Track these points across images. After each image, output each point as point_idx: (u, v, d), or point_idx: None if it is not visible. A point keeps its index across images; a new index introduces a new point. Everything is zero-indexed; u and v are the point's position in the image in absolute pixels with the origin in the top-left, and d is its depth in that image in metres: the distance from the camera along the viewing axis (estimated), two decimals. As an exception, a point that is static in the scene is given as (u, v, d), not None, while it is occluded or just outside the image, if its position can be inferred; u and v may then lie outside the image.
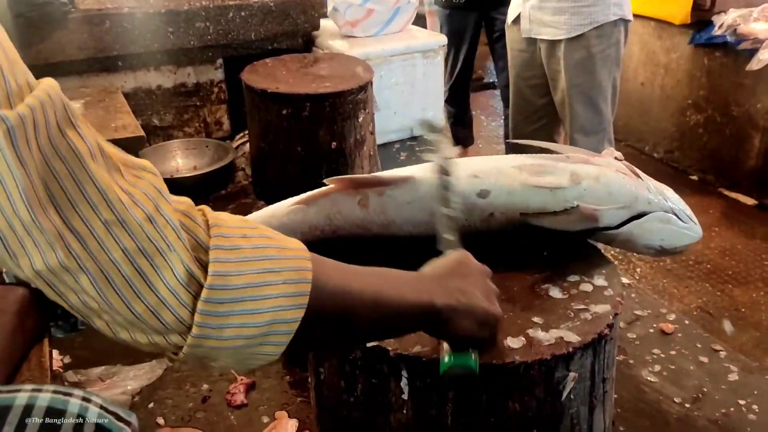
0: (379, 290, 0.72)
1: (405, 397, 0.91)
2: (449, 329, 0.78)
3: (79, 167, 0.54)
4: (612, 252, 3.33)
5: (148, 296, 0.56)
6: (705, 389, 1.37)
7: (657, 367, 1.44)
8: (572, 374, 0.90)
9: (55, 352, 1.48)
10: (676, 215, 1.10)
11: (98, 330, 0.61)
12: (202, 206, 0.65)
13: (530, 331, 0.91)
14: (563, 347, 0.88)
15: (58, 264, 0.54)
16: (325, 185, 1.17)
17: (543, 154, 1.12)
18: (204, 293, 0.58)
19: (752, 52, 3.69)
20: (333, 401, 1.02)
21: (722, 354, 1.48)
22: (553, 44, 2.51)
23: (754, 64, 3.63)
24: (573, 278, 1.02)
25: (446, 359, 0.81)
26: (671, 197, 1.12)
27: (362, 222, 1.11)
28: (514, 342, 0.89)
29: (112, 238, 0.55)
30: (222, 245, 0.60)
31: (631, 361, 1.46)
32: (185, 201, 0.63)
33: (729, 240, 3.51)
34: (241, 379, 1.43)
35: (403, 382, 0.90)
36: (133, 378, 1.42)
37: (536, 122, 2.79)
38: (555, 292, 0.99)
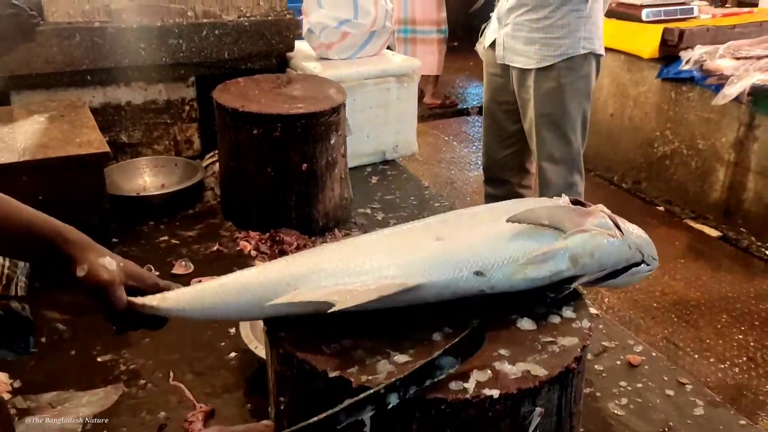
0: None
1: (367, 430, 0.88)
2: None
3: None
4: (580, 281, 3.35)
5: None
6: (671, 423, 1.37)
7: (624, 400, 1.43)
8: (539, 409, 0.88)
9: (4, 376, 1.43)
10: (644, 262, 1.10)
11: None
12: None
13: (497, 364, 0.89)
14: (530, 381, 0.86)
15: None
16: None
17: (540, 230, 1.06)
18: None
19: (718, 88, 3.79)
20: (293, 433, 0.99)
21: (688, 388, 1.47)
22: (524, 72, 2.55)
23: (720, 99, 3.72)
24: (541, 309, 1.01)
25: None
26: (644, 246, 1.11)
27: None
28: (480, 375, 0.87)
29: None
30: None
31: (598, 394, 1.44)
32: None
33: (694, 271, 3.56)
34: (200, 407, 1.38)
35: (365, 416, 0.87)
36: (86, 404, 1.36)
37: (509, 148, 2.81)
38: (523, 324, 0.98)
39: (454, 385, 0.85)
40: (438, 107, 5.98)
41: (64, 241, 0.91)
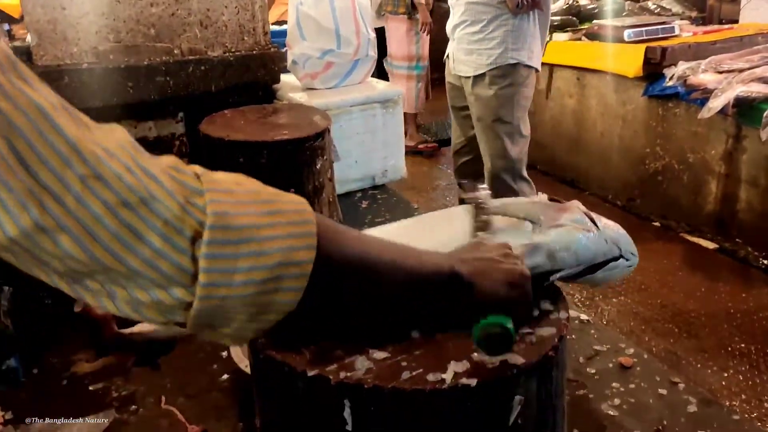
0: (398, 254, 0.71)
1: (349, 428, 0.88)
2: (475, 293, 0.77)
3: (44, 121, 0.51)
4: (578, 296, 3.34)
5: (140, 248, 0.53)
6: (665, 422, 1.36)
7: (617, 401, 1.42)
8: (518, 398, 0.88)
9: (-4, 407, 1.43)
10: (623, 257, 1.12)
11: (92, 300, 0.56)
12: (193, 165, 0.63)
13: (474, 355, 0.90)
14: (508, 369, 0.87)
15: (33, 224, 0.50)
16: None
17: (516, 223, 1.10)
18: (206, 235, 0.55)
19: (703, 102, 3.84)
20: (279, 439, 0.99)
21: (681, 386, 1.47)
22: (467, 80, 2.85)
23: (705, 113, 3.76)
24: (519, 304, 1.02)
25: (480, 322, 0.80)
26: (622, 241, 1.12)
27: None
28: (457, 366, 0.87)
29: (90, 192, 0.51)
30: (216, 188, 0.58)
31: (591, 396, 1.44)
32: (170, 156, 0.61)
33: (693, 284, 3.55)
34: (192, 428, 1.38)
35: (346, 413, 0.88)
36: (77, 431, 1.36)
37: (470, 153, 3.06)
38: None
39: (431, 377, 0.86)
40: (411, 149, 5.21)
41: None
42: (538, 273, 1.03)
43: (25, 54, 2.21)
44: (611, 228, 1.16)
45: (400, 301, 0.75)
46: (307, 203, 0.64)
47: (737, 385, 2.70)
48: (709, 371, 2.80)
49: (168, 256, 0.54)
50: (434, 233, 1.12)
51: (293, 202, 0.63)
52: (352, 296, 0.69)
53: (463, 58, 2.83)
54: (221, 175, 0.62)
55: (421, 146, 5.66)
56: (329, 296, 0.65)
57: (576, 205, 1.19)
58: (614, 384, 1.48)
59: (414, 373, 0.87)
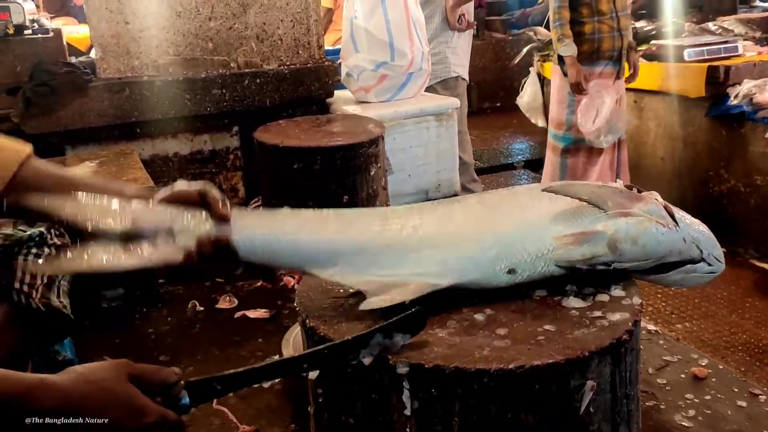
0: None
1: (407, 412, 0.83)
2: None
3: None
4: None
5: None
6: (746, 434, 1.25)
7: (691, 412, 1.32)
8: (590, 383, 0.81)
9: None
10: (704, 260, 1.02)
11: None
12: None
13: (541, 338, 0.84)
14: (578, 351, 0.80)
15: None
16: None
17: (579, 208, 1.00)
18: None
19: (771, 120, 3.68)
20: (333, 427, 0.94)
21: (762, 398, 1.36)
22: None
23: (774, 131, 3.60)
24: (588, 290, 0.95)
25: None
26: (703, 242, 1.03)
27: None
28: (523, 347, 0.81)
29: None
30: None
31: (662, 406, 1.34)
32: None
33: (763, 310, 3.35)
34: (243, 428, 1.34)
35: (405, 396, 0.83)
36: (128, 427, 1.34)
37: None
38: (570, 302, 0.92)
39: (495, 357, 0.80)
40: None
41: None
42: (598, 263, 0.95)
43: (90, 67, 2.27)
44: (694, 227, 1.05)
45: None
46: None
47: (818, 416, 2.51)
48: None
49: None
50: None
51: None
52: None
53: None
54: None
55: None
56: None
57: (654, 196, 1.10)
58: (687, 395, 1.38)
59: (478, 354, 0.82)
